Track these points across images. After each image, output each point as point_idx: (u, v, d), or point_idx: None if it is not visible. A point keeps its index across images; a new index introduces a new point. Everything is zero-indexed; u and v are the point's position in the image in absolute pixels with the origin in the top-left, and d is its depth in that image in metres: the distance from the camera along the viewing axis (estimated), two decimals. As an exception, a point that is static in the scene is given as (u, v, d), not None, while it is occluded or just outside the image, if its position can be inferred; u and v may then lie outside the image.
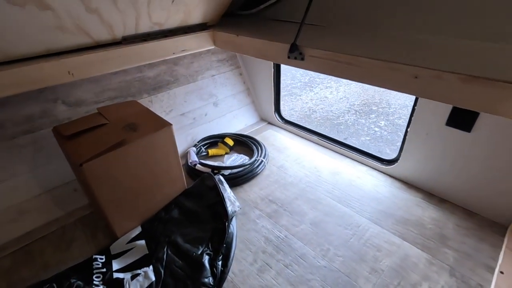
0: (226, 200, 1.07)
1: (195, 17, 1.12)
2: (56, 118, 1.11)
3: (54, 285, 0.80)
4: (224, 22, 1.30)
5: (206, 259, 0.90)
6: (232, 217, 1.06)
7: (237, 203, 1.11)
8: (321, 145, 1.54)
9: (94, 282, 0.83)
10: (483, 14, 0.79)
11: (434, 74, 0.67)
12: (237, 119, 1.71)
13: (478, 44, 0.78)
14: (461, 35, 0.84)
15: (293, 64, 0.96)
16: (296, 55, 0.93)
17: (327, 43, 0.88)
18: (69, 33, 0.83)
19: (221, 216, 1.03)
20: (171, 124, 0.97)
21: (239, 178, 1.25)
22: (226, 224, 0.99)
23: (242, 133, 1.57)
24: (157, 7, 0.93)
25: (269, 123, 1.77)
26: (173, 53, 1.13)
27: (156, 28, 1.05)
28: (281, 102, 1.70)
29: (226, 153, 1.45)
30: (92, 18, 0.82)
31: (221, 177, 1.17)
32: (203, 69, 1.54)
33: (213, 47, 1.24)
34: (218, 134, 1.53)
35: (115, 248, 0.95)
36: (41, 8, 0.69)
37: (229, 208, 1.05)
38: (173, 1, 0.94)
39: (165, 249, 0.92)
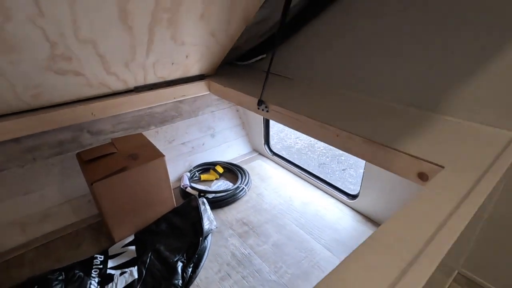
0: (205, 219, 1.31)
1: (193, 71, 1.42)
2: (81, 144, 1.43)
3: (62, 273, 1.06)
4: (222, 70, 1.59)
5: (179, 265, 1.12)
6: (208, 234, 1.29)
7: (215, 223, 1.34)
8: (300, 177, 1.75)
9: (92, 274, 1.09)
10: (403, 83, 1.02)
11: (347, 135, 0.89)
12: (231, 149, 1.97)
13: (391, 108, 1.00)
14: (389, 100, 1.06)
15: (261, 114, 1.21)
16: (263, 108, 1.18)
17: (284, 100, 1.13)
18: (94, 87, 1.14)
19: (198, 232, 1.26)
20: (163, 156, 1.24)
21: (221, 202, 1.49)
22: (201, 239, 1.22)
23: (232, 162, 1.82)
24: (160, 67, 1.24)
25: (260, 153, 2.01)
26: (174, 98, 1.42)
27: (161, 80, 1.35)
28: (289, 130, 1.92)
29: (216, 179, 1.70)
30: (111, 77, 1.13)
31: (204, 200, 1.41)
32: (204, 106, 1.83)
33: (208, 92, 1.53)
34: (211, 162, 1.79)
35: (112, 250, 1.20)
36: (76, 75, 1.01)
37: (206, 226, 1.28)
38: (172, 64, 1.24)
39: (149, 255, 1.16)
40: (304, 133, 1.05)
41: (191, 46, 1.18)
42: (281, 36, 1.32)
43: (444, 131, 0.86)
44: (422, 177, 0.74)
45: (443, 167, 0.69)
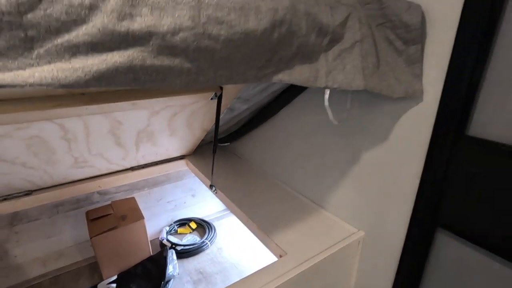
0: (170, 267, 1.77)
1: (175, 154, 1.98)
2: (92, 201, 1.98)
3: (64, 300, 1.55)
4: (201, 149, 2.13)
5: (143, 301, 1.58)
6: (171, 279, 1.75)
7: (177, 270, 1.80)
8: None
9: (83, 302, 1.57)
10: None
11: (250, 221, 1.36)
12: (208, 207, 2.46)
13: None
14: (294, 190, 1.52)
15: (214, 194, 1.72)
16: (213, 189, 1.69)
17: (230, 182, 1.63)
18: (101, 170, 1.71)
19: (162, 276, 1.72)
20: (143, 218, 1.76)
21: (187, 253, 1.95)
22: (162, 282, 1.68)
23: (204, 219, 2.30)
24: (148, 156, 1.80)
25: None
26: (159, 173, 1.97)
27: (150, 161, 1.91)
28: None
29: (189, 233, 2.18)
30: (113, 165, 1.70)
31: (173, 251, 1.89)
32: (188, 172, 2.37)
33: (186, 168, 2.08)
34: (188, 218, 2.28)
35: (100, 286, 1.69)
36: (90, 167, 1.58)
37: (170, 273, 1.74)
38: (156, 154, 1.81)
39: (124, 291, 1.64)
40: (233, 214, 1.54)
41: (168, 145, 1.75)
42: (216, 148, 1.77)
43: (311, 221, 1.30)
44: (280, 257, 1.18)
45: (286, 253, 1.14)
